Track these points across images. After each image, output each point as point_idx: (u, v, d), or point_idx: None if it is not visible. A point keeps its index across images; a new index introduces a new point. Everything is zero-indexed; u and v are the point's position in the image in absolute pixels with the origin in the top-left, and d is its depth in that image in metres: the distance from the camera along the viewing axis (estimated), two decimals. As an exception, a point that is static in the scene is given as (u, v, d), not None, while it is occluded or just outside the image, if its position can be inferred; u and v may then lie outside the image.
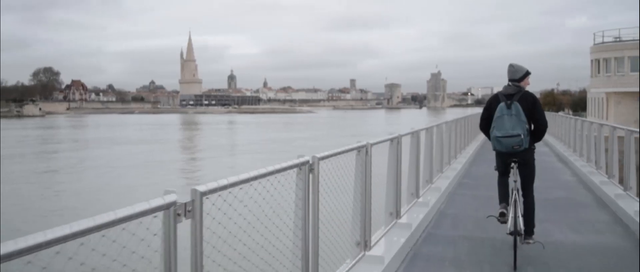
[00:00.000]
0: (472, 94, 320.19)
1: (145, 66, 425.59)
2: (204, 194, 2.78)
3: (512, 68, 6.82)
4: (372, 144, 6.24)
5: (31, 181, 31.20)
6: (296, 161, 4.14)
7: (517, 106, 6.49)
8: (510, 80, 6.79)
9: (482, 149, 19.63)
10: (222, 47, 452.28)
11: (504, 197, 6.93)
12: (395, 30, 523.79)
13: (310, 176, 4.36)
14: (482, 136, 20.26)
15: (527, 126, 6.50)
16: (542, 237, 6.97)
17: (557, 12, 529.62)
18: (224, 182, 3.00)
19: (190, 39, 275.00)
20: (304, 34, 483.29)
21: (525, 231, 6.62)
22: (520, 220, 6.51)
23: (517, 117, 6.44)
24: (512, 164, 6.69)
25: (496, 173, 7.09)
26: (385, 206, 7.45)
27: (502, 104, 6.56)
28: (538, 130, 6.72)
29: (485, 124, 6.93)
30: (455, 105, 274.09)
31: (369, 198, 6.10)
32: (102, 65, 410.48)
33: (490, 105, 6.87)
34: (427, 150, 10.73)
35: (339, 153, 5.19)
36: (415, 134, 9.28)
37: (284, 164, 3.93)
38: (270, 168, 3.68)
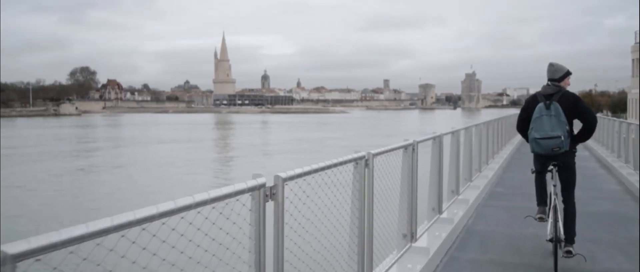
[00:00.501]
0: (507, 95, 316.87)
1: (180, 66, 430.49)
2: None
3: (552, 67, 6.59)
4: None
5: (78, 177, 32.13)
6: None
7: (556, 106, 6.22)
8: (549, 79, 6.54)
9: (518, 153, 19.79)
10: (256, 47, 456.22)
11: (542, 198, 6.72)
12: (430, 30, 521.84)
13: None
14: (518, 138, 20.34)
15: (567, 128, 6.22)
16: (588, 265, 6.39)
17: (595, 12, 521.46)
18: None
19: (223, 39, 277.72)
20: (338, 33, 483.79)
21: (565, 238, 6.31)
22: (561, 226, 6.24)
23: (557, 118, 6.18)
24: (551, 167, 6.45)
25: (533, 177, 6.83)
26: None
27: (540, 105, 6.31)
28: (587, 128, 6.45)
29: (523, 125, 6.66)
30: (490, 106, 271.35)
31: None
32: (137, 65, 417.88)
33: (528, 106, 6.62)
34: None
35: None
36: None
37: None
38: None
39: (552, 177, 6.48)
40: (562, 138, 6.15)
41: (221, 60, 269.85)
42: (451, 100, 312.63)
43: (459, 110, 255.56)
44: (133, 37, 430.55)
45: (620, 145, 16.77)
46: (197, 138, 67.60)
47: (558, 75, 6.51)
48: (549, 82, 6.52)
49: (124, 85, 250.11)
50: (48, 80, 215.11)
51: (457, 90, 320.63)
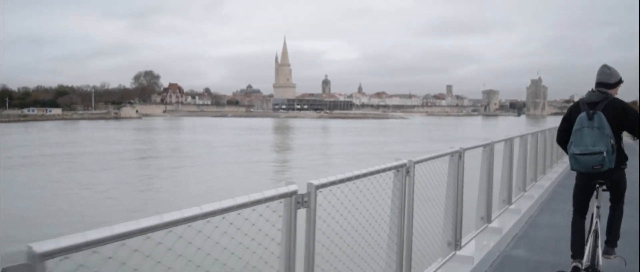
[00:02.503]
0: (574, 102, 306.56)
1: (244, 71, 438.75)
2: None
3: (607, 70, 5.84)
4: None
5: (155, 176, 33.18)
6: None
7: (600, 117, 5.47)
8: (598, 84, 5.79)
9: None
10: (319, 53, 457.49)
11: (579, 249, 5.76)
12: (496, 35, 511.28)
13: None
14: None
15: (612, 142, 5.45)
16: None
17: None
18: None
19: (284, 44, 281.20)
20: (401, 38, 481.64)
21: (607, 240, 5.85)
22: (599, 252, 5.63)
23: (600, 131, 5.43)
24: (597, 186, 5.72)
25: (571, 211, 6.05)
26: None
27: (582, 115, 5.58)
28: (635, 133, 5.72)
29: (564, 137, 5.91)
30: (556, 113, 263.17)
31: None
32: (202, 69, 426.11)
33: (570, 115, 5.89)
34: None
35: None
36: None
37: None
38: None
39: (596, 196, 5.80)
40: (605, 154, 5.39)
41: (282, 64, 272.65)
42: (515, 107, 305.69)
43: (523, 117, 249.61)
44: (198, 42, 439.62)
45: None
46: (243, 143, 67.64)
47: (613, 81, 5.79)
48: (596, 88, 5.78)
49: (188, 90, 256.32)
50: (114, 84, 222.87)
51: (522, 97, 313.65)
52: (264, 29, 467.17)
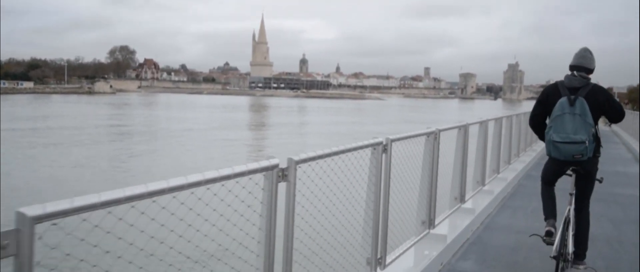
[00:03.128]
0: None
1: (222, 47, 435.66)
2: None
3: (589, 54, 5.52)
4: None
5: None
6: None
7: (582, 104, 5.21)
8: (578, 67, 5.47)
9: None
10: (298, 32, 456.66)
11: (551, 211, 5.72)
12: (475, 18, 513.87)
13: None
14: None
15: (593, 130, 5.26)
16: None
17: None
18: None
19: (262, 21, 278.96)
20: (381, 20, 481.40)
21: (575, 253, 5.51)
22: (571, 242, 5.37)
23: (582, 119, 5.17)
24: (570, 172, 5.51)
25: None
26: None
27: (563, 100, 5.29)
28: (614, 120, 5.70)
29: (538, 122, 5.71)
30: (531, 98, 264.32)
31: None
32: (180, 45, 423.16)
33: (546, 99, 5.57)
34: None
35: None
36: (483, 124, 9.63)
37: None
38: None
39: (569, 184, 5.59)
40: (587, 143, 5.17)
41: (259, 42, 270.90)
42: (492, 91, 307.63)
43: (499, 101, 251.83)
44: (176, 18, 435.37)
45: None
46: (219, 120, 66.83)
47: (593, 66, 5.49)
48: (575, 72, 5.47)
49: (164, 66, 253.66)
50: (89, 59, 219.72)
51: (499, 81, 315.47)
52: (242, 6, 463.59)
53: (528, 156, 15.80)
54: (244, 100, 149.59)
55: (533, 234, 5.80)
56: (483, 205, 8.63)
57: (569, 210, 5.43)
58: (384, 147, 4.87)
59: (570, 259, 5.33)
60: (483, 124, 9.64)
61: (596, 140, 5.38)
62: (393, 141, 5.04)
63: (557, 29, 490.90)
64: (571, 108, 5.22)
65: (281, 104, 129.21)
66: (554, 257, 5.15)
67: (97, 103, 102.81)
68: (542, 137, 5.65)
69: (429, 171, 6.45)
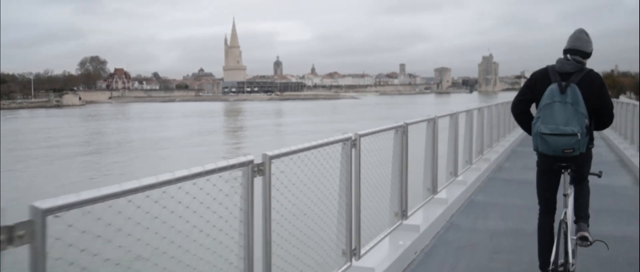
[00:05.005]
0: (525, 78, 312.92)
1: (196, 53, 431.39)
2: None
3: (585, 36, 4.91)
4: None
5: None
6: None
7: (575, 91, 4.61)
8: (572, 51, 4.85)
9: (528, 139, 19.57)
10: (272, 34, 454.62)
11: (546, 247, 4.90)
12: (448, 12, 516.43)
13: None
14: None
15: (587, 122, 4.61)
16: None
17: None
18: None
19: (234, 25, 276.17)
20: (355, 19, 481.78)
21: (579, 216, 4.96)
22: (570, 257, 4.65)
23: (574, 108, 4.58)
24: (562, 171, 4.85)
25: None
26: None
27: (553, 86, 4.69)
28: (602, 123, 4.97)
29: (523, 109, 5.08)
30: (507, 89, 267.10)
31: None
32: (154, 53, 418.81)
33: (534, 84, 4.96)
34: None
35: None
36: (454, 117, 9.97)
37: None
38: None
39: (562, 182, 4.95)
40: (579, 136, 4.54)
41: (231, 46, 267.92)
42: (468, 84, 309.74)
43: (475, 93, 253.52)
44: (148, 26, 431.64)
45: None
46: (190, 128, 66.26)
47: (590, 49, 4.90)
48: (570, 56, 4.84)
49: (136, 75, 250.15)
50: (58, 71, 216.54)
51: (474, 74, 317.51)
52: (215, 10, 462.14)
53: (502, 146, 16.19)
54: (215, 106, 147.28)
55: None
56: (456, 195, 8.98)
57: (565, 213, 4.81)
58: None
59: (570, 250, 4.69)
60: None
61: (590, 133, 4.73)
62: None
63: (530, 19, 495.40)
64: (562, 96, 4.62)
65: (253, 108, 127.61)
66: (552, 270, 4.57)
67: (62, 116, 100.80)
68: (526, 128, 5.02)
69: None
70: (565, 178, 4.89)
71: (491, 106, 15.54)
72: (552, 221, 5.05)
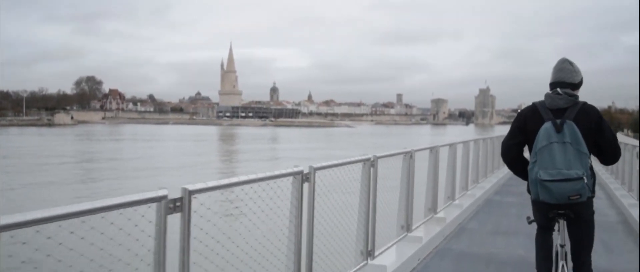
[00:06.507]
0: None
1: (193, 77, 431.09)
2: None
3: (569, 66, 4.40)
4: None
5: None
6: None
7: (572, 128, 4.11)
8: (559, 83, 4.35)
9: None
10: (269, 60, 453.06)
11: (545, 265, 4.53)
12: (445, 44, 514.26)
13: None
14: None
15: (590, 161, 4.14)
16: None
17: (611, 28, 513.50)
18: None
19: (230, 50, 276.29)
20: (352, 47, 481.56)
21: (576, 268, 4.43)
22: None
23: (575, 148, 4.06)
24: (558, 219, 4.35)
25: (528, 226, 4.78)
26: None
27: (547, 125, 4.17)
28: (609, 158, 4.39)
29: (515, 154, 4.51)
30: (504, 122, 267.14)
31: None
32: (150, 75, 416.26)
33: (524, 124, 4.40)
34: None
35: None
36: (433, 150, 9.33)
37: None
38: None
39: (559, 232, 4.41)
40: (585, 179, 4.03)
41: (227, 71, 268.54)
42: (464, 116, 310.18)
43: (471, 126, 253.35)
44: (146, 48, 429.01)
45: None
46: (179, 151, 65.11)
47: (578, 79, 4.38)
48: (560, 90, 4.31)
49: (131, 96, 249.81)
50: (53, 90, 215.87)
51: (470, 106, 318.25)
52: (213, 35, 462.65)
53: (496, 176, 16.46)
54: (208, 130, 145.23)
55: None
56: (434, 232, 8.58)
57: (563, 267, 4.32)
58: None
59: None
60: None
61: (593, 174, 4.23)
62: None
63: (527, 53, 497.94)
64: (559, 135, 4.10)
65: (246, 133, 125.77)
66: None
67: (50, 135, 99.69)
68: (522, 174, 4.46)
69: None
70: (562, 228, 4.35)
71: (487, 139, 15.99)
72: (551, 235, 4.58)
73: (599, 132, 4.23)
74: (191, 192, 3.14)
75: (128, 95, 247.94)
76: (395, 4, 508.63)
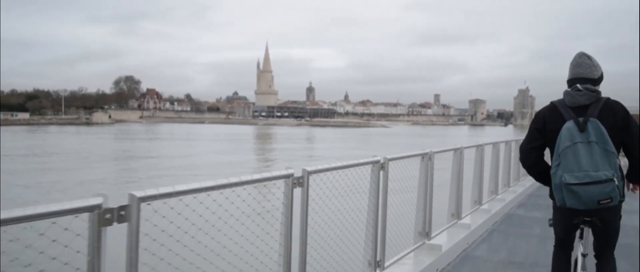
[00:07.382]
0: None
1: (230, 77, 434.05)
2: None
3: (585, 60, 4.05)
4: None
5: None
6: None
7: (597, 126, 3.74)
8: (579, 79, 3.99)
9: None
10: (306, 60, 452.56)
11: None
12: (484, 45, 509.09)
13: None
14: None
15: (619, 161, 3.73)
16: None
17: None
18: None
19: (267, 50, 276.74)
20: (389, 47, 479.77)
21: None
22: None
23: (602, 147, 3.68)
24: (582, 226, 3.99)
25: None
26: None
27: (570, 125, 3.78)
28: (635, 161, 3.92)
29: (536, 159, 4.11)
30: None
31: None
32: (189, 75, 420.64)
33: (544, 125, 4.01)
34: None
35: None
36: (479, 148, 10.01)
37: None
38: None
39: (581, 238, 4.03)
40: (616, 181, 3.63)
41: (264, 71, 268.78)
42: (503, 117, 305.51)
43: (510, 127, 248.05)
44: (184, 48, 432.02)
45: None
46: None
47: (598, 74, 4.01)
48: (578, 85, 3.96)
49: (168, 96, 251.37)
50: (95, 89, 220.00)
51: (509, 107, 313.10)
52: (250, 36, 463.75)
53: (529, 180, 14.99)
54: (243, 129, 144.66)
55: None
56: (479, 222, 8.89)
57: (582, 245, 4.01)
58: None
59: None
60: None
61: (623, 175, 3.84)
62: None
63: (566, 53, 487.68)
64: (583, 134, 3.72)
65: (279, 133, 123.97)
66: None
67: (86, 133, 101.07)
68: (544, 180, 4.06)
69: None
70: (586, 236, 3.96)
71: (519, 140, 14.66)
72: (570, 255, 4.21)
73: (626, 130, 3.83)
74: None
75: (165, 95, 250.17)
76: (432, 5, 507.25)
